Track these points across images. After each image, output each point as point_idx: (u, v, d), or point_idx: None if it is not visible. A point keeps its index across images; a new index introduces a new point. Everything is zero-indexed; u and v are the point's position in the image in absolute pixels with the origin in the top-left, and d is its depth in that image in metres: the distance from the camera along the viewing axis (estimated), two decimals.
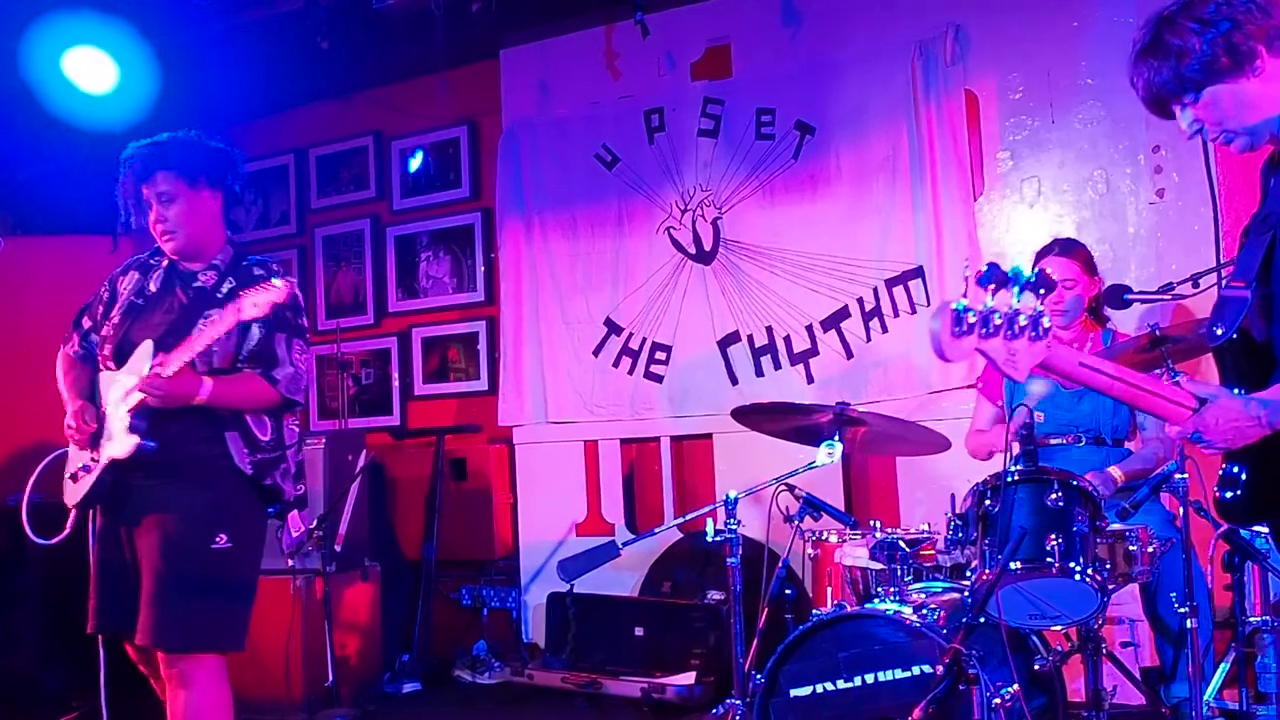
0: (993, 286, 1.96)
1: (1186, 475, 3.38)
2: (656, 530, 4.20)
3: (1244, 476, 2.24)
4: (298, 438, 3.61)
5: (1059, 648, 3.62)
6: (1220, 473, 2.27)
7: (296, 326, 3.51)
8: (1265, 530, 3.28)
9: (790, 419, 4.12)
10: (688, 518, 4.06)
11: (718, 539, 3.72)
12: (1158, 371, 3.47)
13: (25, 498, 3.58)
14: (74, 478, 3.46)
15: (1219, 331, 2.24)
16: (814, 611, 3.60)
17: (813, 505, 3.83)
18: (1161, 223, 4.81)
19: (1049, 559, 3.20)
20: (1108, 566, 3.31)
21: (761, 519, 3.85)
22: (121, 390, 3.38)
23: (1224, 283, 2.30)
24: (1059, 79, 4.98)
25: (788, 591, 3.86)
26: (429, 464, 6.06)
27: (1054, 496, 3.24)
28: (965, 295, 1.98)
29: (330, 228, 6.87)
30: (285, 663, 5.07)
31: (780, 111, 5.50)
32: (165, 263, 3.58)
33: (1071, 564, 3.19)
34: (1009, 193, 5.11)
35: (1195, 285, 3.71)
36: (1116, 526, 3.38)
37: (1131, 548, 3.37)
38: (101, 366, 3.53)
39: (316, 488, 5.32)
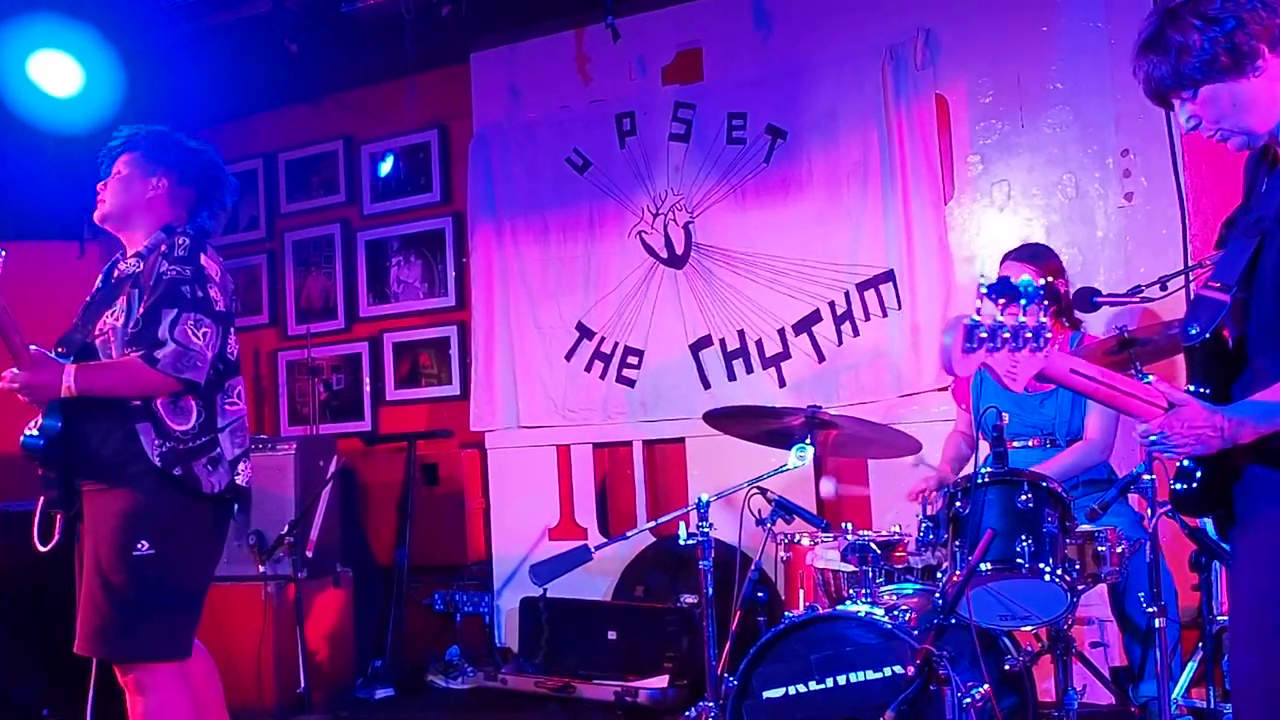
0: (1003, 301, 1.99)
1: (1154, 477, 3.41)
2: (629, 534, 4.20)
3: (1198, 472, 2.27)
4: (235, 418, 3.36)
5: (1029, 648, 3.64)
6: (1177, 466, 2.31)
7: (193, 301, 3.20)
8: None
9: (762, 422, 4.13)
10: (660, 521, 4.07)
11: (690, 542, 3.73)
12: (1125, 374, 3.50)
13: (39, 507, 3.33)
14: None
15: (1194, 331, 2.26)
16: (786, 614, 3.61)
17: (785, 508, 3.84)
18: (1130, 226, 4.85)
19: (1019, 560, 3.21)
20: (1077, 567, 3.34)
21: (734, 522, 3.86)
22: None
23: (1202, 281, 2.31)
24: (1029, 83, 5.01)
25: (760, 594, 3.86)
26: (401, 469, 6.03)
27: (1024, 498, 3.26)
28: (978, 310, 2.00)
29: (300, 232, 6.83)
30: (257, 669, 5.03)
31: (751, 116, 5.51)
32: (117, 257, 3.47)
33: (1041, 565, 3.21)
34: (979, 196, 5.13)
35: (1163, 288, 3.73)
36: (1085, 527, 3.40)
37: (1100, 548, 3.39)
38: None
39: (288, 494, 5.31)
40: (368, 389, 6.58)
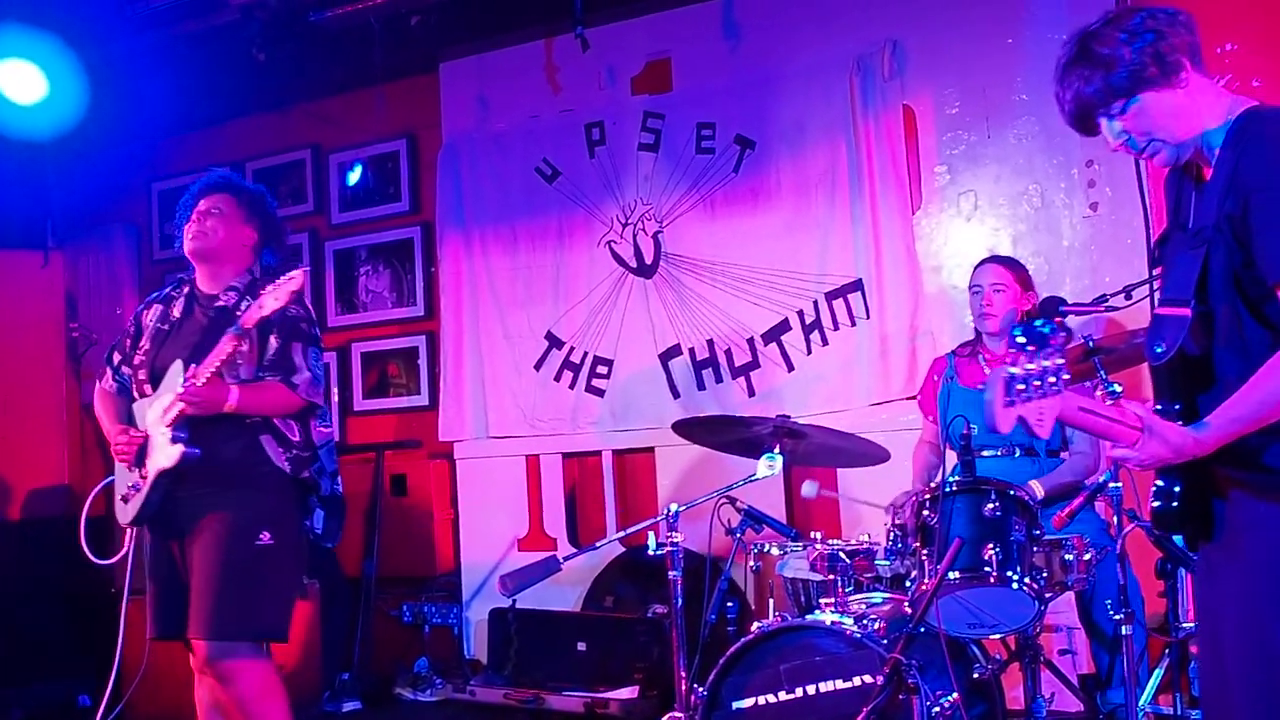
0: (1033, 347, 1.95)
1: (1120, 485, 3.44)
2: (598, 544, 4.18)
3: (1177, 489, 2.28)
4: (328, 439, 3.83)
5: (998, 656, 3.66)
6: (1155, 485, 2.32)
7: (311, 336, 3.75)
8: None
9: (731, 432, 4.13)
10: (629, 531, 4.06)
11: (659, 553, 3.72)
12: (1090, 383, 3.53)
13: (83, 519, 3.90)
14: (125, 499, 3.69)
15: (1160, 350, 2.27)
16: (755, 624, 3.61)
17: (754, 518, 3.84)
18: (1095, 235, 4.88)
19: (987, 568, 3.23)
20: (1044, 575, 3.35)
21: (704, 532, 3.86)
22: (159, 409, 3.61)
23: (1155, 299, 2.33)
24: (994, 95, 5.04)
25: (730, 604, 3.86)
26: (369, 480, 6.00)
27: (991, 506, 3.28)
28: (1012, 362, 1.95)
29: None
30: None
31: (720, 126, 5.52)
32: (186, 290, 3.85)
33: (1009, 573, 3.23)
34: (946, 206, 5.16)
35: (1128, 297, 3.76)
36: (1052, 535, 3.42)
37: (1067, 556, 3.41)
38: (136, 394, 3.78)
39: None
40: (335, 399, 6.54)
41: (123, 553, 3.77)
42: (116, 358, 3.94)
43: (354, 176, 6.53)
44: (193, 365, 3.54)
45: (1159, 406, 2.30)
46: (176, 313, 3.82)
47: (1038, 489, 3.97)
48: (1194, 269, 2.26)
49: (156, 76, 5.74)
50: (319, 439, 3.78)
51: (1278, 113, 2.23)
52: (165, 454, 3.55)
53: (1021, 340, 1.95)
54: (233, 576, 3.53)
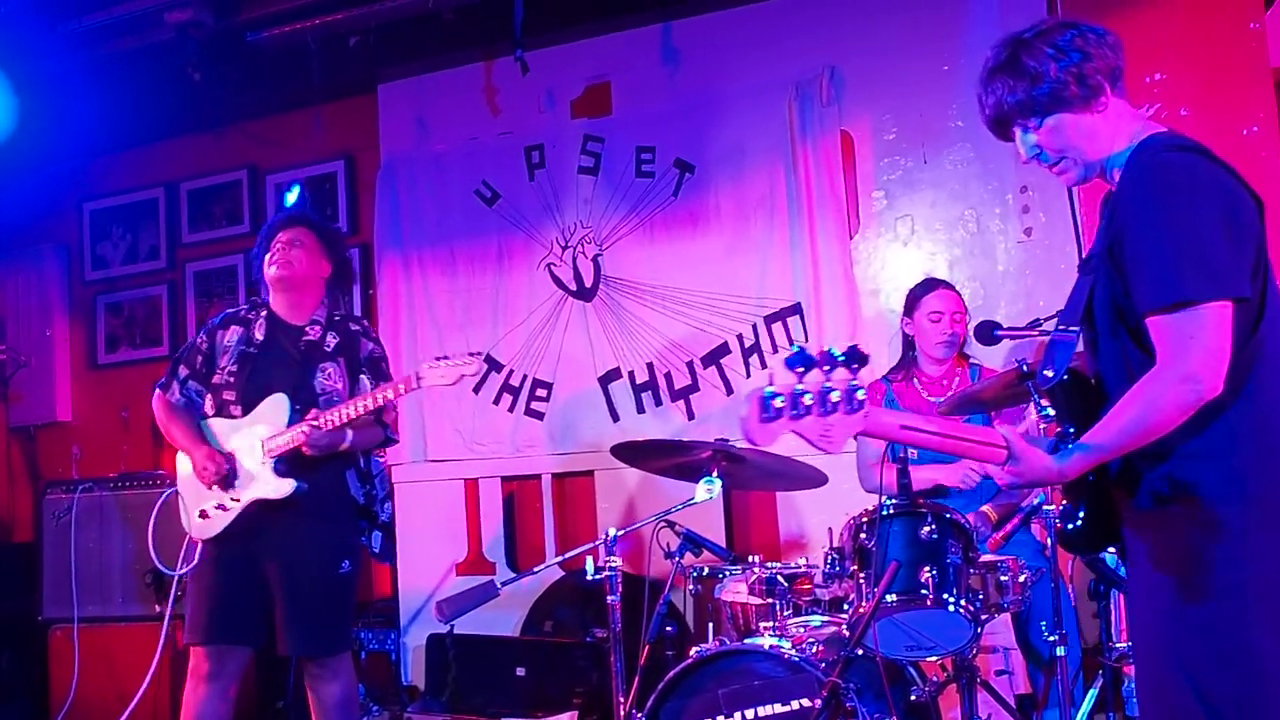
0: (801, 369, 2.01)
1: (1055, 506, 3.47)
2: (536, 569, 4.16)
3: (1081, 511, 2.34)
4: (383, 466, 4.20)
5: (935, 678, 3.67)
6: (1063, 507, 2.38)
7: (389, 375, 4.11)
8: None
9: (670, 456, 4.11)
10: (567, 556, 4.03)
11: (598, 577, 3.70)
12: (1023, 407, 3.57)
13: (151, 533, 4.22)
14: (203, 515, 3.94)
15: (1049, 374, 2.34)
16: (694, 648, 3.60)
17: (693, 541, 3.83)
18: (1029, 260, 4.95)
19: (923, 591, 3.24)
20: (980, 597, 3.37)
21: (643, 555, 3.84)
22: (253, 437, 3.89)
23: (1055, 324, 2.40)
24: (931, 121, 5.11)
25: (669, 628, 3.84)
26: None
27: (927, 529, 3.30)
28: (771, 381, 2.02)
29: (202, 263, 6.70)
30: (153, 712, 4.89)
31: (660, 149, 5.54)
32: (264, 314, 4.06)
33: (945, 595, 3.25)
34: (884, 231, 5.21)
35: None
36: (988, 557, 3.44)
37: (1003, 578, 3.44)
38: (211, 412, 4.02)
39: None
40: None
41: (193, 565, 4.00)
42: (184, 371, 4.09)
43: (291, 197, 6.46)
44: (314, 409, 3.84)
45: (1060, 429, 2.35)
46: (260, 336, 4.03)
47: (990, 512, 4.00)
48: (1084, 294, 2.32)
49: (89, 95, 5.65)
50: (376, 467, 4.13)
51: (1164, 143, 2.27)
52: (272, 485, 3.85)
53: (783, 362, 2.03)
54: (322, 603, 3.91)
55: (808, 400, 2.00)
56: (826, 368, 2.00)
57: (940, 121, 5.09)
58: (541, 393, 5.73)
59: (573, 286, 5.71)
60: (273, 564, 3.90)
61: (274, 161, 6.50)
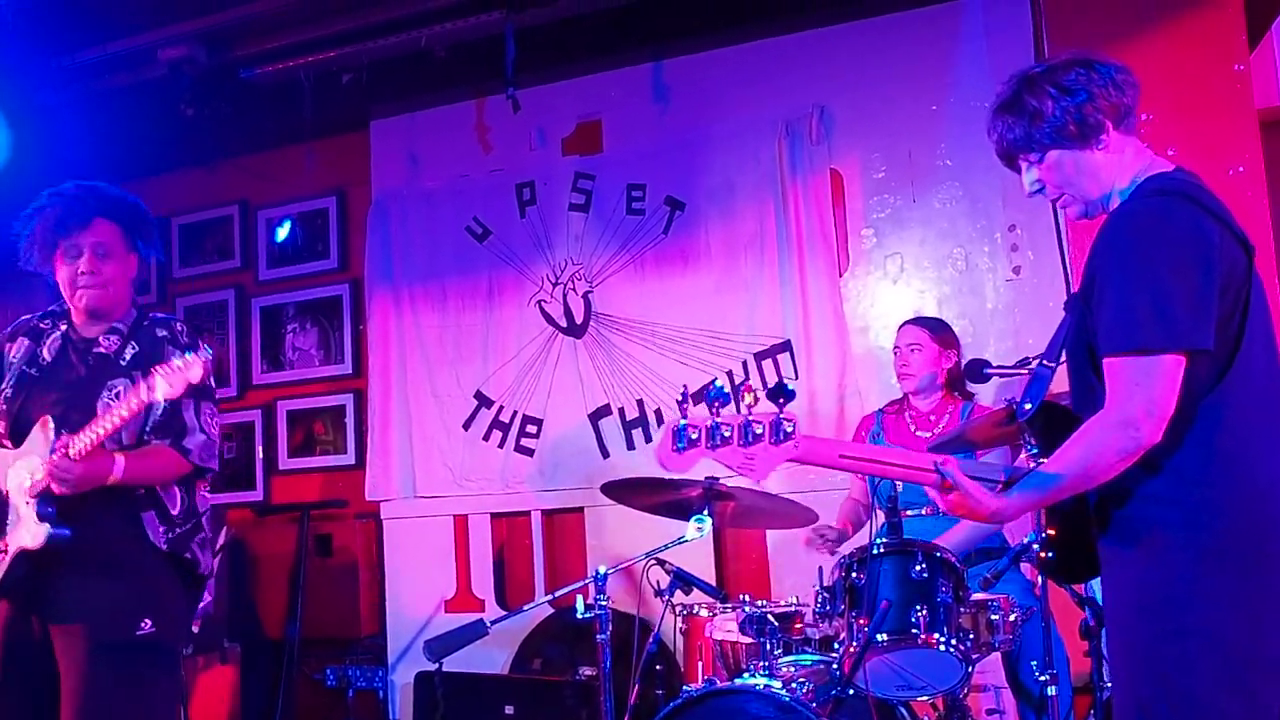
0: (718, 403, 2.17)
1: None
2: (525, 608, 4.15)
3: (1054, 541, 2.40)
4: (209, 505, 3.45)
5: (925, 717, 3.66)
6: (1044, 536, 2.43)
7: (205, 389, 3.27)
8: None
9: (660, 494, 4.11)
10: (557, 594, 4.02)
11: (588, 615, 3.69)
12: (1018, 445, 3.58)
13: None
14: None
15: (1027, 407, 2.39)
16: (684, 687, 3.58)
17: (683, 579, 3.83)
18: (1018, 299, 4.98)
19: (914, 630, 3.23)
20: (971, 636, 3.36)
21: (633, 593, 3.83)
22: (24, 473, 3.16)
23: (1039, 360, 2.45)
24: (919, 159, 5.15)
25: (658, 666, 3.84)
26: (293, 540, 5.89)
27: (918, 568, 3.29)
28: (685, 415, 2.18)
29: (192, 298, 6.70)
30: None
31: (651, 187, 5.57)
32: (63, 327, 3.36)
33: (936, 635, 3.24)
34: (873, 269, 5.23)
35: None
36: (979, 596, 3.44)
37: (994, 617, 3.42)
38: None
39: None
40: (260, 457, 6.43)
41: None
42: None
43: (282, 233, 6.48)
44: (65, 432, 3.06)
45: (1033, 464, 2.38)
46: (48, 355, 3.32)
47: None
48: (1063, 331, 2.37)
49: (83, 129, 5.65)
50: (202, 505, 3.38)
51: (1152, 187, 2.31)
52: (30, 532, 3.11)
53: (689, 398, 2.29)
54: (114, 677, 3.10)
55: (726, 432, 2.15)
56: (745, 401, 2.16)
57: (929, 160, 5.13)
58: (531, 429, 5.73)
59: (563, 323, 5.71)
60: (54, 630, 3.16)
61: (266, 197, 6.52)
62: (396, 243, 6.06)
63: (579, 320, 5.68)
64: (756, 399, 2.17)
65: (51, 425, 3.12)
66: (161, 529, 3.24)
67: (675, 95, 5.61)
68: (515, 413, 5.76)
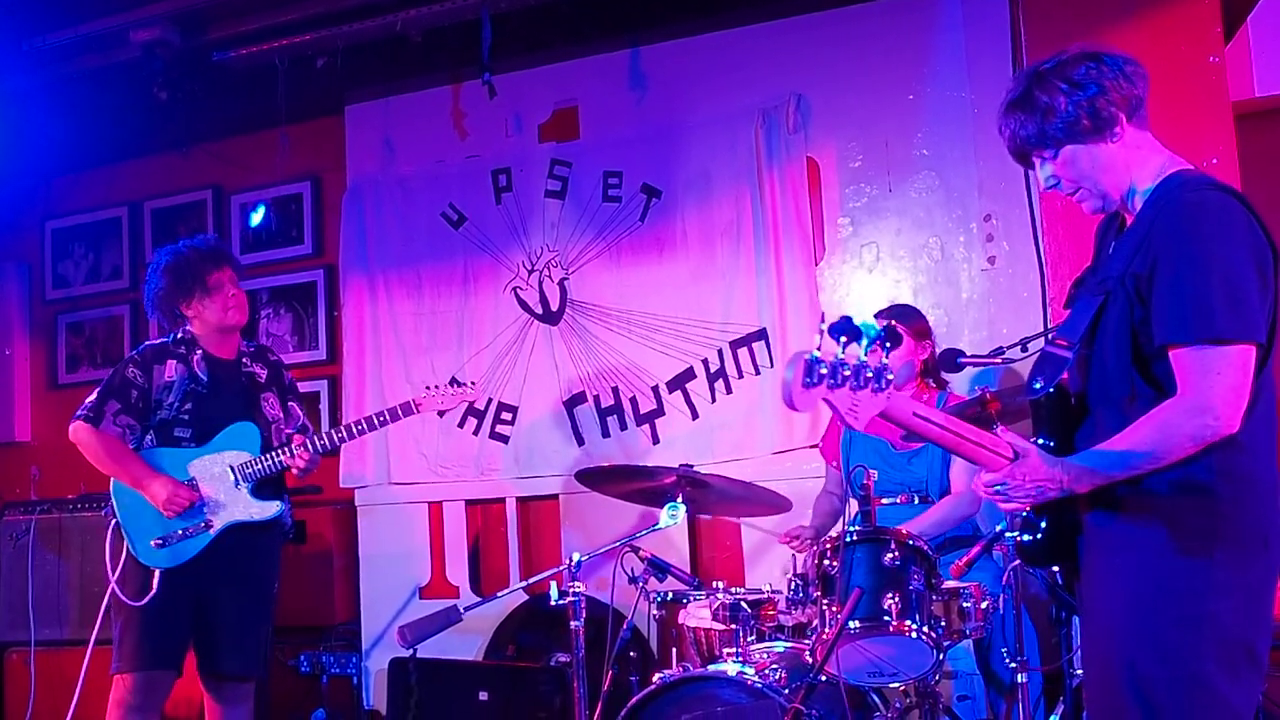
0: (844, 339, 2.03)
1: (1016, 533, 3.48)
2: (499, 594, 4.15)
3: (1043, 523, 2.38)
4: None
5: (898, 704, 3.68)
6: (1022, 517, 2.41)
7: (300, 397, 4.47)
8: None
9: (635, 481, 4.12)
10: (531, 581, 4.03)
11: (562, 602, 3.69)
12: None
13: (118, 566, 4.05)
14: (165, 542, 4.00)
15: (1038, 385, 2.37)
16: (658, 674, 3.59)
17: (657, 566, 3.84)
18: (993, 289, 4.99)
19: (886, 617, 3.25)
20: (942, 624, 3.38)
21: (607, 579, 3.84)
22: (219, 464, 4.08)
23: (1050, 337, 2.42)
24: (896, 149, 5.15)
25: (632, 653, 3.84)
26: None
27: (891, 556, 3.31)
28: (819, 347, 2.03)
29: None
30: None
31: (627, 174, 5.56)
32: (199, 352, 4.19)
33: (908, 622, 3.25)
34: (849, 258, 5.24)
35: (1024, 349, 3.87)
36: (951, 584, 3.46)
37: (965, 604, 3.44)
38: (153, 444, 4.11)
39: None
40: None
41: (152, 593, 3.97)
42: (114, 406, 4.09)
43: (256, 218, 6.44)
44: (297, 435, 4.19)
45: (1038, 441, 2.38)
46: (202, 374, 4.18)
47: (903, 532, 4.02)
48: (1088, 315, 2.35)
49: (53, 113, 5.61)
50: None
51: (1198, 181, 2.33)
52: (255, 508, 4.09)
53: (824, 328, 2.06)
54: (263, 622, 4.15)
55: (846, 371, 2.03)
56: (865, 342, 2.03)
57: (905, 150, 5.13)
58: (506, 416, 5.72)
59: (539, 310, 5.70)
60: (222, 585, 4.06)
61: (239, 182, 6.47)
62: (371, 228, 6.03)
63: (554, 307, 5.67)
64: (871, 341, 2.08)
65: (256, 429, 4.14)
66: (288, 506, 4.31)
67: (652, 82, 5.60)
68: (490, 400, 5.75)
